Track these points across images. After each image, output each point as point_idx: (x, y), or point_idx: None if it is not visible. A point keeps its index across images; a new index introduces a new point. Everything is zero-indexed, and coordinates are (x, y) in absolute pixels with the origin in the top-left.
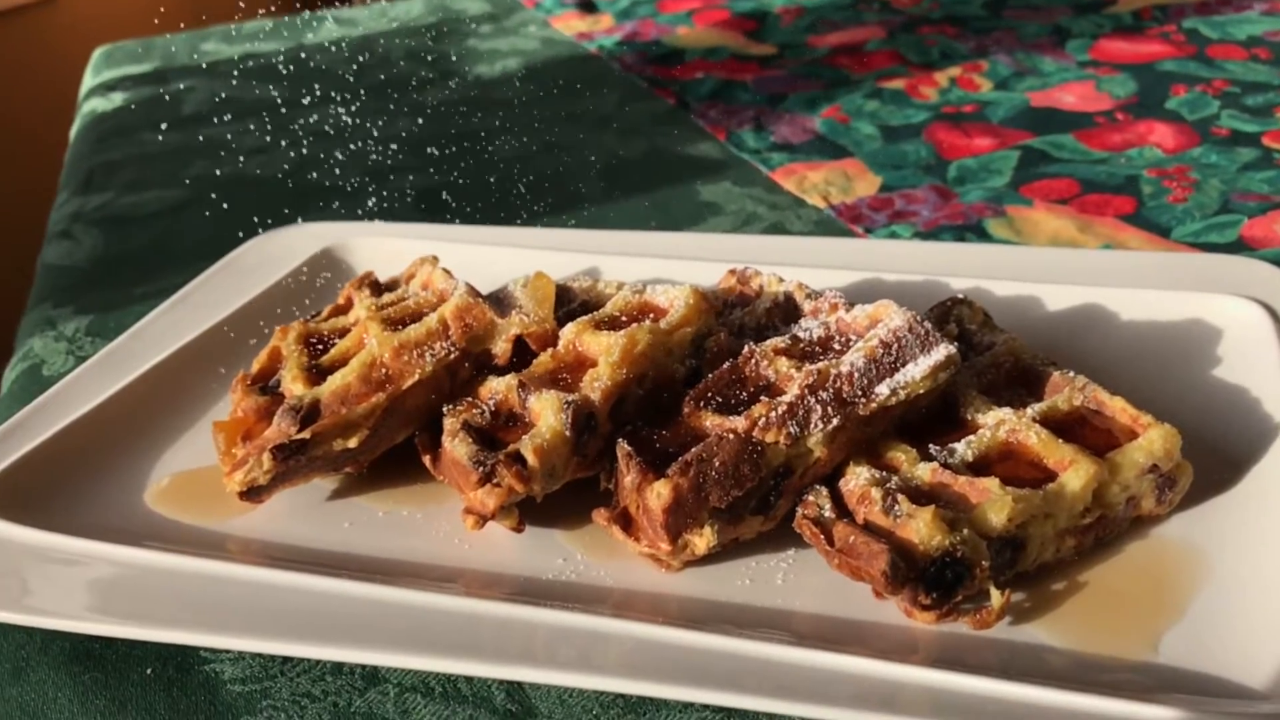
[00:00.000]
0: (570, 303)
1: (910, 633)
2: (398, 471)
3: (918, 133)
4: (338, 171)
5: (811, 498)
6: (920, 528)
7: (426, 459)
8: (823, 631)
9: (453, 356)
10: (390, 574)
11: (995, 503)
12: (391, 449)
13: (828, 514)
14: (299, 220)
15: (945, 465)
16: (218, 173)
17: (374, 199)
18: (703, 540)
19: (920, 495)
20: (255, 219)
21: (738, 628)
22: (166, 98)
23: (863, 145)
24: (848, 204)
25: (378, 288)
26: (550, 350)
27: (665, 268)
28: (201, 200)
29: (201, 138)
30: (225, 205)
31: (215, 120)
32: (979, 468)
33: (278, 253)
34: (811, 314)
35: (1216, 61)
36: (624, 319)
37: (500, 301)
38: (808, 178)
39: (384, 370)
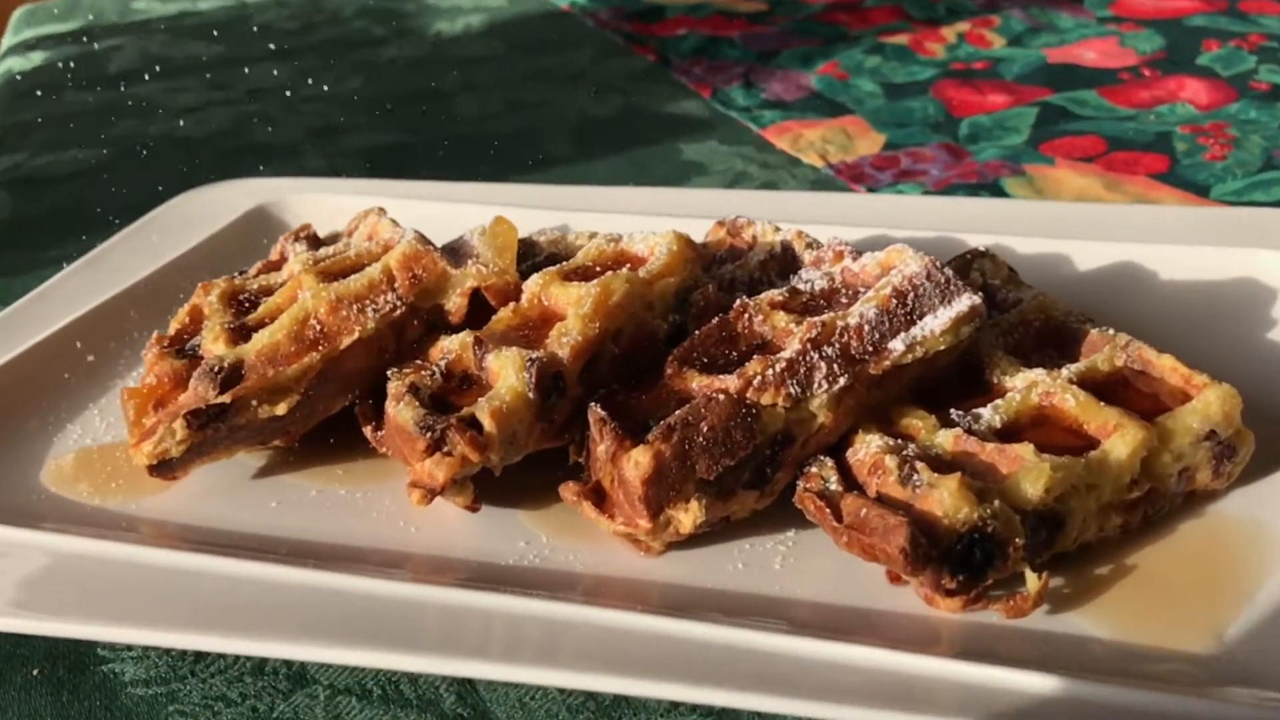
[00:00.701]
0: (535, 257)
1: (931, 623)
2: (335, 445)
3: (924, 89)
4: (279, 132)
5: (815, 469)
6: (945, 498)
7: (368, 430)
8: (829, 621)
9: (399, 312)
10: (321, 558)
11: (1030, 472)
12: (328, 419)
13: (834, 487)
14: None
15: (970, 432)
16: (145, 133)
17: (319, 160)
18: (689, 516)
19: (942, 466)
20: (185, 180)
21: (728, 616)
22: (91, 56)
23: (864, 102)
24: (848, 163)
25: (315, 241)
26: (512, 305)
27: (645, 226)
28: (126, 161)
29: (129, 97)
30: (152, 166)
31: (145, 79)
32: (1008, 435)
33: (206, 211)
34: (813, 265)
35: (1251, 16)
36: (597, 269)
37: (455, 252)
38: (803, 136)
39: (319, 327)
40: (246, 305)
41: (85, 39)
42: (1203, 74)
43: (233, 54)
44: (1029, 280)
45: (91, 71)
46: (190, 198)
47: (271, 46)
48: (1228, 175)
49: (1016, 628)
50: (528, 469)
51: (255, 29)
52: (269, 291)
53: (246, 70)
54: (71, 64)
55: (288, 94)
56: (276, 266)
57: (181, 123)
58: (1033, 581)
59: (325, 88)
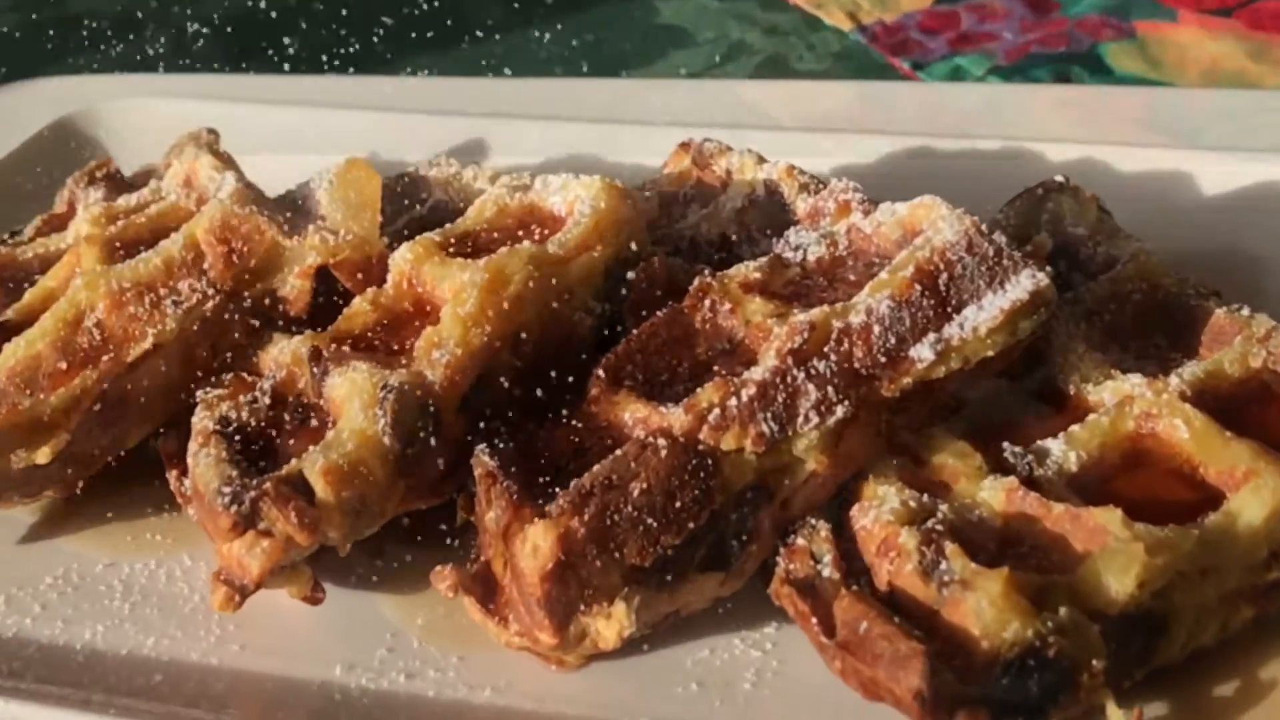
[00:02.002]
0: (420, 201)
1: None
2: (139, 492)
3: None
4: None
5: (803, 540)
6: (984, 609)
7: (172, 476)
8: None
9: (211, 305)
10: (78, 684)
11: (1115, 557)
12: (127, 456)
13: (829, 573)
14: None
15: (1030, 482)
16: None
17: (164, 42)
18: (612, 626)
19: (988, 537)
20: None
21: None
22: None
23: None
24: (887, 24)
25: (118, 184)
26: (372, 291)
27: (592, 139)
28: None
29: None
30: None
31: None
32: (1088, 484)
33: None
34: (809, 220)
35: None
36: (495, 236)
37: (296, 209)
38: None
39: (98, 331)
40: (12, 286)
41: None
42: None
43: None
44: (1132, 219)
45: None
46: None
47: None
48: None
49: None
50: (396, 536)
51: None
52: (49, 263)
53: None
54: None
55: None
56: (63, 223)
57: None
58: (1117, 719)
59: None
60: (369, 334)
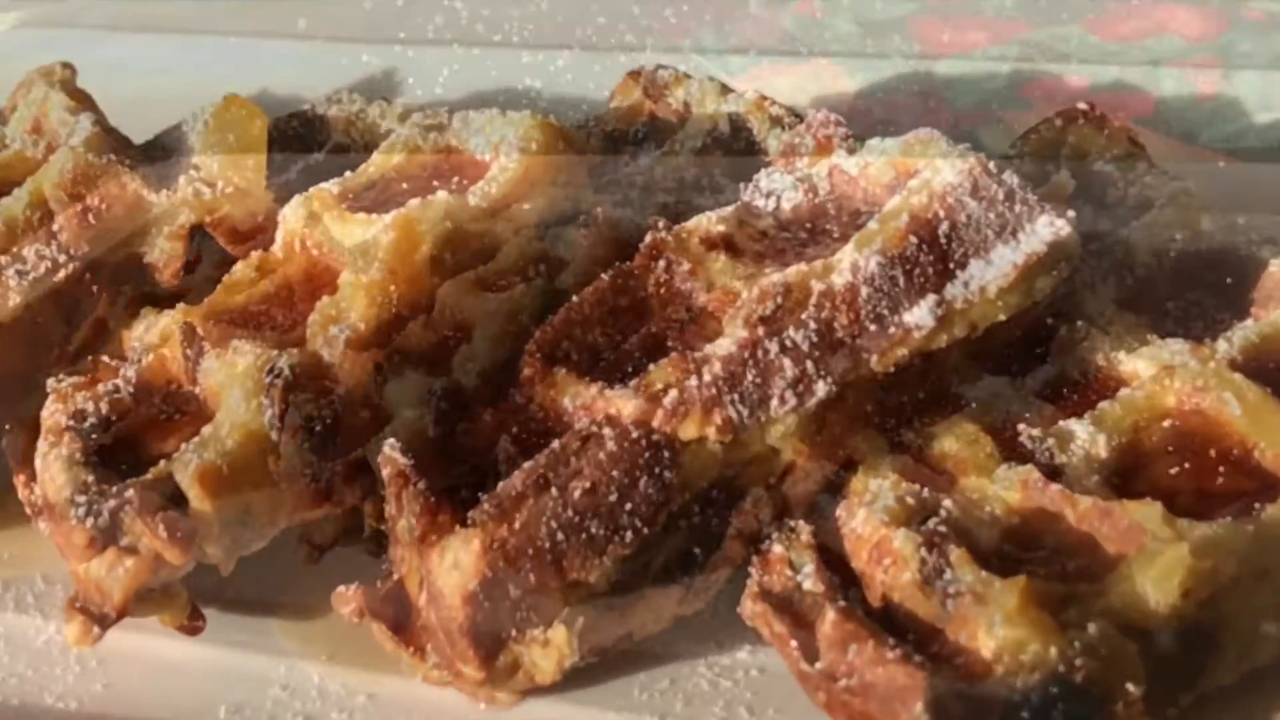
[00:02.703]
0: (317, 146)
1: None
2: None
3: None
4: None
5: (779, 547)
6: (997, 625)
7: (19, 481)
8: None
9: (64, 275)
10: None
11: (1155, 559)
12: None
13: (810, 586)
14: None
15: (1051, 471)
16: None
17: None
18: (550, 655)
19: (1001, 539)
20: None
21: None
22: None
23: None
24: None
25: None
26: (258, 255)
27: (523, 67)
28: None
29: None
30: None
31: None
32: (1122, 473)
33: None
34: (783, 160)
35: None
36: (405, 186)
37: (166, 156)
38: None
39: None
40: None
41: None
42: None
43: None
44: (1169, 157)
45: None
46: None
47: None
48: None
49: None
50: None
51: None
52: None
53: None
54: None
55: None
56: None
57: None
58: None
59: None
60: (254, 307)
